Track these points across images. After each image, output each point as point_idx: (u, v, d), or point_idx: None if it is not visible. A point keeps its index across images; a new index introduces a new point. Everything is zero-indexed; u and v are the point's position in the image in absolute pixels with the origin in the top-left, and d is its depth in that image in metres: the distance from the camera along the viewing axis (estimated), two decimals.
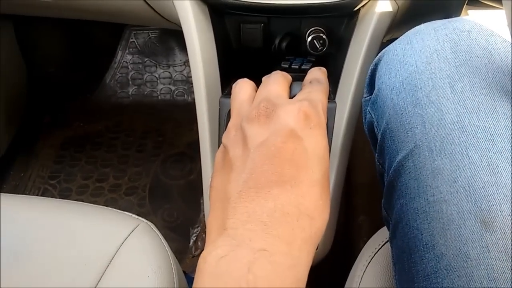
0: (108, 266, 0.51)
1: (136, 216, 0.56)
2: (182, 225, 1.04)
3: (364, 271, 0.51)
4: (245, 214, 0.29)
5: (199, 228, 1.03)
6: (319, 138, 0.33)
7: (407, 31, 0.45)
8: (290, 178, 0.31)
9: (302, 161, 0.31)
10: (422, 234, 0.36)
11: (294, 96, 0.39)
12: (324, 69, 0.42)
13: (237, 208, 0.30)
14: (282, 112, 0.33)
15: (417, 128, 0.38)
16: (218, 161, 0.35)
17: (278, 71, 0.40)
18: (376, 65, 0.47)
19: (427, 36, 0.42)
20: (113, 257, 0.51)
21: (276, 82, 0.38)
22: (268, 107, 0.34)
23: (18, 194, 1.10)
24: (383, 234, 0.53)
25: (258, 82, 0.69)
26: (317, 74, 0.40)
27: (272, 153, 0.31)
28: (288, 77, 0.41)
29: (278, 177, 0.30)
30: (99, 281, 0.50)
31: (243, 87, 0.39)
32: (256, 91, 0.39)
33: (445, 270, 0.34)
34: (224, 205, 0.31)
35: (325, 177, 0.33)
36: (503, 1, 0.33)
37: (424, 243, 0.36)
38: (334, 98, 0.64)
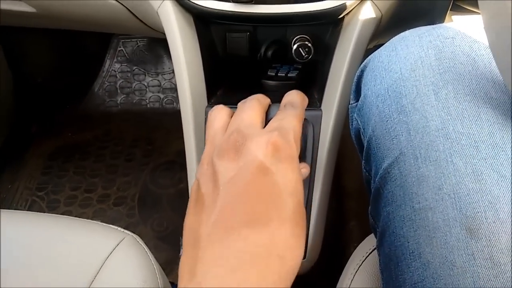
0: (93, 280, 0.50)
1: (122, 230, 0.56)
2: (172, 235, 1.03)
3: (352, 279, 0.51)
4: (214, 258, 0.29)
5: None
6: (289, 171, 0.32)
7: (392, 37, 0.45)
8: (260, 216, 0.29)
9: (272, 197, 0.30)
10: (408, 242, 0.36)
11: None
12: (301, 92, 0.40)
13: (206, 251, 0.29)
14: (252, 145, 0.32)
15: (402, 135, 0.38)
16: (192, 196, 0.34)
17: (254, 96, 0.39)
18: (362, 71, 0.47)
19: (412, 43, 0.42)
20: (98, 271, 0.50)
21: (250, 109, 0.37)
22: (238, 140, 0.33)
23: (6, 206, 1.09)
24: (371, 241, 0.53)
25: (244, 93, 0.69)
26: (293, 98, 0.39)
27: (241, 191, 0.30)
28: (264, 101, 0.39)
29: (247, 216, 0.29)
30: None
31: (217, 114, 0.37)
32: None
33: (431, 278, 0.34)
34: (195, 247, 0.30)
35: (297, 212, 0.31)
36: (480, 8, 0.33)
37: (411, 251, 0.36)
38: (320, 106, 0.64)
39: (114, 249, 0.51)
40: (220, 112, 0.38)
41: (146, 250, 0.53)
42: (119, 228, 0.55)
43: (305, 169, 0.40)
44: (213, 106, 0.63)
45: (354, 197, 1.08)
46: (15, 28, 1.03)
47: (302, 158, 0.61)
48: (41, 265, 0.51)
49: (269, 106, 0.40)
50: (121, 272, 0.50)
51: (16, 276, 0.50)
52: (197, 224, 0.31)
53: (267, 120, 0.38)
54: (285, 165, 0.32)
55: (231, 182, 0.31)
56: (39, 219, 0.57)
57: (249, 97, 0.39)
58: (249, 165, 0.31)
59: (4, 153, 1.18)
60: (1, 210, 0.60)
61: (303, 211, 0.32)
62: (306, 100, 0.40)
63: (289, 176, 0.32)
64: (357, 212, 1.06)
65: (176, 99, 1.32)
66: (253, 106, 0.37)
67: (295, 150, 0.33)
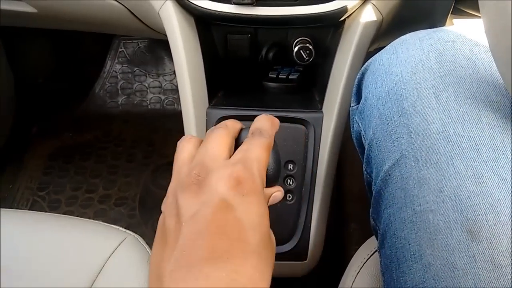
0: (95, 280, 0.50)
1: (124, 229, 0.56)
2: None
3: (354, 281, 0.51)
4: None
5: None
6: (252, 206, 0.31)
7: (393, 40, 0.45)
8: (222, 253, 0.29)
9: (234, 233, 0.30)
10: (409, 244, 0.36)
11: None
12: (271, 117, 0.39)
13: None
14: (214, 179, 0.31)
15: (403, 138, 0.38)
16: (158, 229, 0.34)
17: (223, 123, 0.38)
18: (363, 74, 0.47)
19: (412, 46, 0.42)
20: (100, 271, 0.50)
21: (216, 139, 0.35)
22: (200, 174, 0.32)
23: (7, 206, 1.09)
24: (372, 243, 0.53)
25: (245, 95, 0.69)
26: (261, 124, 0.37)
27: (203, 227, 0.30)
28: (233, 128, 0.38)
29: (209, 253, 0.29)
30: None
31: (184, 146, 0.36)
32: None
33: (432, 280, 0.34)
34: (159, 283, 0.29)
35: (261, 245, 0.31)
36: (481, 12, 0.33)
37: (412, 253, 0.36)
38: (321, 108, 0.64)
39: (116, 248, 0.51)
40: (187, 143, 0.37)
41: (148, 250, 0.53)
42: (121, 228, 0.55)
43: (279, 192, 0.39)
44: (214, 107, 0.64)
45: (355, 200, 1.08)
46: (17, 28, 1.04)
47: (303, 161, 0.62)
48: (43, 264, 0.51)
49: (241, 130, 0.39)
50: (123, 272, 0.50)
51: (18, 275, 0.50)
52: (160, 260, 0.31)
53: (237, 145, 0.37)
54: (248, 199, 0.31)
55: (193, 219, 0.30)
56: (41, 218, 0.57)
57: (219, 124, 0.38)
58: (210, 201, 0.30)
59: (5, 153, 1.18)
60: (3, 209, 0.60)
61: (268, 244, 0.32)
62: (277, 125, 0.39)
63: (252, 210, 0.31)
64: (357, 215, 1.06)
65: (177, 100, 1.32)
66: (219, 135, 0.36)
67: (259, 183, 0.32)
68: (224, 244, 0.29)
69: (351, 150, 0.65)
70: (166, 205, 0.33)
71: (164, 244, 0.31)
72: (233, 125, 0.38)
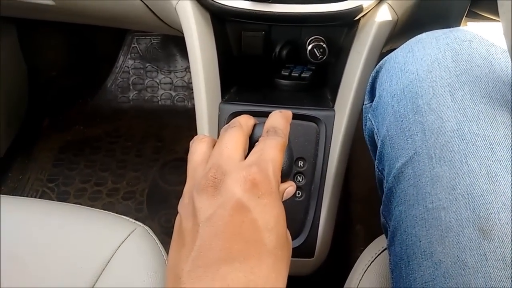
0: (104, 269, 0.50)
1: (133, 220, 0.56)
2: None
3: (360, 279, 0.51)
4: None
5: None
6: (268, 207, 0.32)
7: (406, 42, 0.45)
8: (238, 254, 0.30)
9: (250, 234, 0.30)
10: (420, 241, 0.36)
11: (256, 141, 0.38)
12: (286, 113, 0.39)
13: None
14: (230, 181, 0.32)
15: (417, 135, 0.38)
16: (175, 229, 0.34)
17: (237, 121, 0.38)
18: (378, 72, 0.47)
19: (429, 45, 0.42)
20: (109, 261, 0.51)
21: (231, 139, 0.36)
22: (217, 176, 0.32)
23: (16, 196, 1.10)
24: (380, 242, 0.53)
25: (257, 92, 0.69)
26: (275, 122, 0.38)
27: (220, 229, 0.30)
28: (247, 125, 0.38)
29: (226, 254, 0.30)
30: (94, 284, 0.49)
31: (197, 146, 0.37)
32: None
33: (442, 277, 0.34)
34: (177, 283, 0.30)
35: (278, 247, 0.31)
36: (500, 12, 0.33)
37: (422, 250, 0.36)
38: (333, 107, 0.64)
39: (126, 239, 0.52)
40: (200, 143, 0.37)
41: (157, 241, 0.53)
42: (131, 219, 0.56)
43: (291, 187, 0.39)
44: (226, 103, 0.64)
45: (361, 201, 1.08)
46: (32, 21, 1.05)
47: (313, 158, 0.62)
48: (53, 252, 0.52)
49: (254, 126, 0.39)
50: (132, 262, 0.51)
51: (28, 262, 0.51)
52: (178, 260, 0.31)
53: (251, 142, 0.38)
54: (264, 201, 0.32)
55: (210, 220, 0.31)
56: (52, 207, 0.58)
57: (232, 122, 0.38)
58: (227, 203, 0.31)
59: (17, 144, 1.20)
60: (14, 197, 0.60)
61: (284, 244, 0.32)
62: (289, 118, 0.39)
63: (267, 211, 0.31)
64: (363, 217, 1.06)
65: (187, 97, 1.32)
66: (234, 136, 0.36)
67: (274, 184, 0.33)
68: (240, 245, 0.30)
69: (358, 152, 0.65)
70: (183, 207, 0.33)
71: (182, 245, 0.32)
72: (247, 123, 0.38)
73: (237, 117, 0.39)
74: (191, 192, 0.33)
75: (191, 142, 0.38)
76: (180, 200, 0.35)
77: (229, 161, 0.34)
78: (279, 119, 0.38)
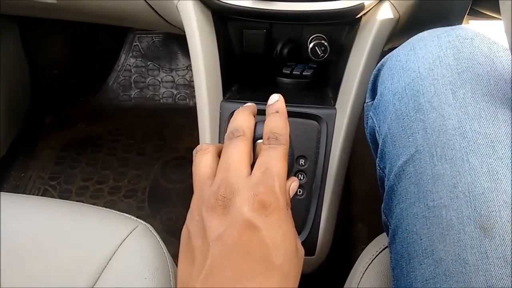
0: (105, 267, 0.50)
1: (135, 218, 0.56)
2: (180, 229, 1.03)
3: (361, 277, 0.51)
4: None
5: None
6: (276, 224, 0.33)
7: (407, 40, 0.45)
8: (247, 272, 0.31)
9: (259, 252, 0.32)
10: (421, 239, 0.36)
11: (258, 138, 0.38)
12: (282, 115, 0.39)
13: None
14: (239, 201, 0.33)
15: (418, 133, 0.38)
16: (183, 243, 0.35)
17: (240, 130, 0.38)
18: (379, 70, 0.47)
19: (430, 43, 0.42)
20: (110, 258, 0.51)
21: (236, 151, 0.36)
22: (226, 195, 0.33)
23: (18, 194, 1.10)
24: (381, 240, 0.53)
25: (259, 90, 0.69)
26: (276, 126, 0.38)
27: (230, 248, 0.31)
28: (250, 132, 0.38)
29: (235, 272, 0.31)
30: (96, 282, 0.49)
31: (202, 158, 0.37)
32: (219, 156, 0.37)
33: (443, 275, 0.34)
34: None
35: (285, 262, 0.33)
36: (501, 10, 0.33)
37: (423, 248, 0.36)
38: (335, 105, 0.64)
39: (128, 236, 0.52)
40: (204, 155, 0.37)
41: (158, 239, 0.54)
42: (132, 217, 0.56)
43: (294, 183, 0.40)
44: (228, 101, 0.64)
45: (362, 199, 1.08)
46: (34, 19, 1.05)
47: (314, 157, 0.62)
48: (54, 250, 0.52)
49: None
50: (133, 260, 0.51)
51: (30, 260, 0.51)
52: (189, 277, 0.33)
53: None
54: (272, 219, 0.33)
55: (220, 240, 0.32)
56: (54, 204, 0.58)
57: (235, 127, 0.38)
58: (236, 223, 0.32)
59: (19, 142, 1.20)
60: (16, 194, 0.61)
61: (293, 259, 0.34)
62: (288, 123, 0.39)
63: (276, 229, 0.33)
64: (364, 215, 1.06)
65: (189, 95, 1.33)
66: (239, 147, 0.36)
67: (281, 200, 0.34)
68: (249, 263, 0.31)
69: (359, 151, 0.65)
70: (192, 224, 0.34)
71: (192, 262, 0.33)
72: (249, 127, 0.38)
73: (238, 117, 0.39)
74: (200, 209, 0.34)
75: (194, 152, 0.39)
76: (189, 214, 0.36)
77: (236, 177, 0.34)
78: (278, 121, 0.38)
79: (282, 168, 0.35)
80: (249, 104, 0.42)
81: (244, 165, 0.35)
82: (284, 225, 0.33)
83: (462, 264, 0.33)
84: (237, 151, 0.36)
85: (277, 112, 0.39)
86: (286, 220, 0.34)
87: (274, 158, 0.35)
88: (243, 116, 0.39)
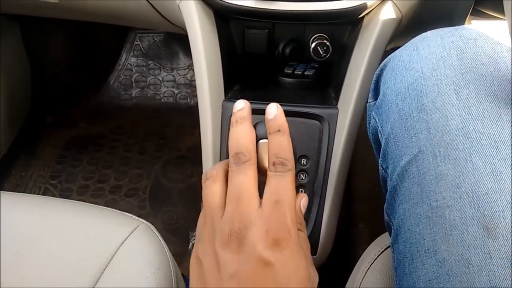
0: (107, 266, 0.50)
1: (136, 217, 0.56)
2: (181, 228, 1.04)
3: (364, 276, 0.51)
4: None
5: None
6: (289, 258, 0.34)
7: (409, 40, 0.45)
8: None
9: (273, 286, 0.33)
10: (424, 239, 0.36)
11: (261, 138, 0.38)
12: (286, 135, 0.39)
13: None
14: (252, 238, 0.34)
15: (421, 133, 0.38)
16: (194, 270, 0.36)
17: (247, 155, 0.38)
18: (382, 70, 0.47)
19: (434, 43, 0.42)
20: (112, 257, 0.51)
21: (246, 182, 0.36)
22: (239, 232, 0.34)
23: (19, 192, 1.10)
24: (383, 240, 0.53)
25: (260, 89, 0.69)
26: (281, 149, 0.38)
27: (244, 284, 0.32)
28: (254, 155, 0.38)
29: None
30: (97, 281, 0.49)
31: (212, 188, 0.38)
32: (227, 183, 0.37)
33: (446, 275, 0.34)
34: None
35: None
36: (505, 11, 0.33)
37: (426, 248, 0.36)
38: (337, 105, 0.64)
39: (129, 236, 0.52)
40: (213, 184, 0.38)
41: (160, 238, 0.54)
42: (134, 216, 0.56)
43: (304, 199, 0.40)
44: (230, 100, 0.64)
45: (363, 199, 1.08)
46: (36, 19, 1.05)
47: (316, 156, 0.62)
48: (56, 249, 0.52)
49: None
50: (134, 259, 0.51)
51: (30, 259, 0.51)
52: None
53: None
54: (285, 254, 0.34)
55: (235, 276, 0.33)
56: (55, 203, 0.58)
57: (240, 150, 0.37)
58: (250, 260, 0.33)
59: (20, 141, 1.20)
60: (17, 193, 0.61)
61: (306, 286, 0.34)
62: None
63: (288, 262, 0.34)
64: (365, 215, 1.06)
65: (190, 94, 1.33)
66: (247, 176, 0.36)
67: (293, 232, 0.35)
68: None
69: (361, 150, 0.65)
70: (206, 256, 0.35)
71: None
72: (254, 148, 0.38)
73: (240, 134, 0.39)
74: (213, 242, 0.35)
75: (203, 179, 0.39)
76: (200, 243, 0.36)
77: (248, 209, 0.35)
78: (282, 143, 0.38)
79: (292, 196, 0.36)
80: (243, 106, 0.41)
81: (254, 195, 0.36)
82: (297, 256, 0.34)
83: (466, 265, 0.33)
84: (247, 181, 0.36)
85: (279, 130, 0.39)
86: (298, 251, 0.35)
87: (284, 187, 0.36)
88: (245, 133, 0.39)
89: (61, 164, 1.18)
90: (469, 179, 0.35)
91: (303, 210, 0.40)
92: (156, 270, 0.50)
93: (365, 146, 0.50)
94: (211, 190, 0.38)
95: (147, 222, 0.56)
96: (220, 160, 0.63)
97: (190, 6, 0.61)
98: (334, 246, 0.67)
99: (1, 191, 0.58)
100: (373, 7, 0.58)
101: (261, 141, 0.39)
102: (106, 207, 0.58)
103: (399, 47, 0.46)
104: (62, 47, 1.31)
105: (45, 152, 1.21)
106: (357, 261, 0.54)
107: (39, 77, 1.24)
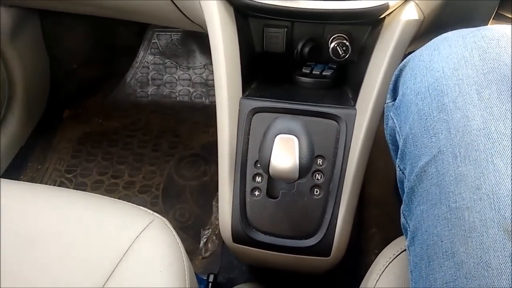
0: (121, 258, 0.51)
1: (151, 212, 0.57)
2: (193, 226, 1.04)
3: (378, 280, 0.50)
4: None
5: (209, 230, 1.03)
6: None
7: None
8: None
9: None
10: (442, 241, 0.36)
11: (279, 133, 0.37)
12: None
13: None
14: None
15: (441, 133, 0.38)
16: None
17: None
18: (401, 70, 0.46)
19: (455, 43, 0.41)
20: (127, 250, 0.51)
21: None
22: None
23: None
24: (398, 244, 0.52)
25: (278, 88, 0.69)
26: None
27: None
28: None
29: None
30: (112, 273, 0.50)
31: None
32: None
33: (464, 278, 0.33)
34: None
35: None
36: None
37: (444, 251, 0.35)
38: (355, 105, 0.63)
39: (144, 229, 0.52)
40: None
41: (174, 233, 0.54)
42: (149, 211, 0.56)
43: None
44: (247, 98, 0.64)
45: (375, 205, 1.07)
46: (56, 14, 1.06)
47: (333, 157, 0.62)
48: (72, 239, 0.52)
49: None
50: (149, 253, 0.51)
51: (48, 248, 0.51)
52: None
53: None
54: None
55: None
56: (73, 195, 0.58)
57: None
58: None
59: (36, 134, 1.22)
60: (36, 184, 0.61)
61: None
62: None
63: None
64: (377, 220, 1.05)
65: (205, 94, 1.33)
66: None
67: None
68: None
69: (373, 156, 0.65)
70: None
71: None
72: None
73: None
74: None
75: None
76: None
77: None
78: None
79: None
80: None
81: None
82: None
83: (485, 268, 0.33)
84: None
85: None
86: None
87: None
88: None
89: (76, 158, 1.20)
90: (489, 180, 0.34)
91: None
92: (169, 265, 0.50)
93: (378, 151, 0.49)
94: None
95: (161, 217, 0.56)
96: (236, 156, 0.63)
97: (211, 3, 0.62)
98: (346, 249, 0.67)
99: (20, 181, 0.59)
100: (395, 8, 0.58)
101: (278, 135, 0.39)
102: (123, 201, 0.59)
103: (413, 51, 0.45)
104: (81, 41, 1.33)
105: (61, 146, 1.23)
106: (368, 266, 0.54)
107: (57, 70, 1.26)
